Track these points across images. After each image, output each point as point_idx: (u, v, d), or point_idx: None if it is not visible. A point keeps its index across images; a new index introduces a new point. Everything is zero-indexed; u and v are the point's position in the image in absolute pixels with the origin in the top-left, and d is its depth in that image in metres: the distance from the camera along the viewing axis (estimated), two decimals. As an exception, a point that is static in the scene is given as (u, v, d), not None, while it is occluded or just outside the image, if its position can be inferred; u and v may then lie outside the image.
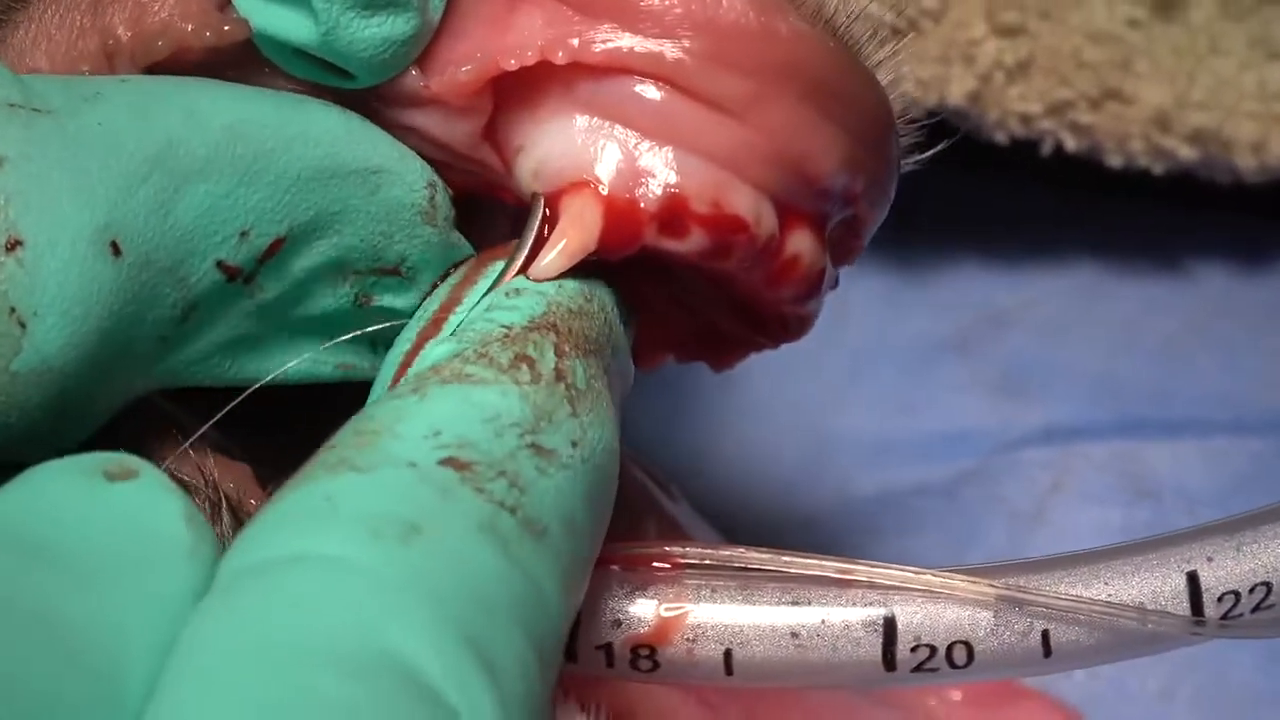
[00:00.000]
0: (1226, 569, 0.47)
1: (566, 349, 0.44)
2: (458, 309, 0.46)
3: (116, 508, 0.39)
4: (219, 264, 0.44)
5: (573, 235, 0.46)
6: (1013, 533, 0.81)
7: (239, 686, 0.34)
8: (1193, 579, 0.47)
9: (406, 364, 0.45)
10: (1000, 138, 0.79)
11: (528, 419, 0.41)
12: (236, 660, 0.34)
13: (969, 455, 0.83)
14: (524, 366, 0.42)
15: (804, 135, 0.47)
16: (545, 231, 0.47)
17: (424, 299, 0.48)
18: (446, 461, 0.39)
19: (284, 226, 0.45)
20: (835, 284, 0.53)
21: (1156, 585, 0.47)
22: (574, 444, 0.42)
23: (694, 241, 0.47)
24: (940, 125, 0.77)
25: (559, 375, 0.43)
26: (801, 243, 0.49)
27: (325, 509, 0.37)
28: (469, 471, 0.39)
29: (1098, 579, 0.47)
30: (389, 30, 0.45)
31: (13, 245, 0.41)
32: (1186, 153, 0.80)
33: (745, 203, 0.47)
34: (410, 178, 0.47)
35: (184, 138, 0.43)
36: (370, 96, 0.47)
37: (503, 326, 0.44)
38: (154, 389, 0.46)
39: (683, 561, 0.48)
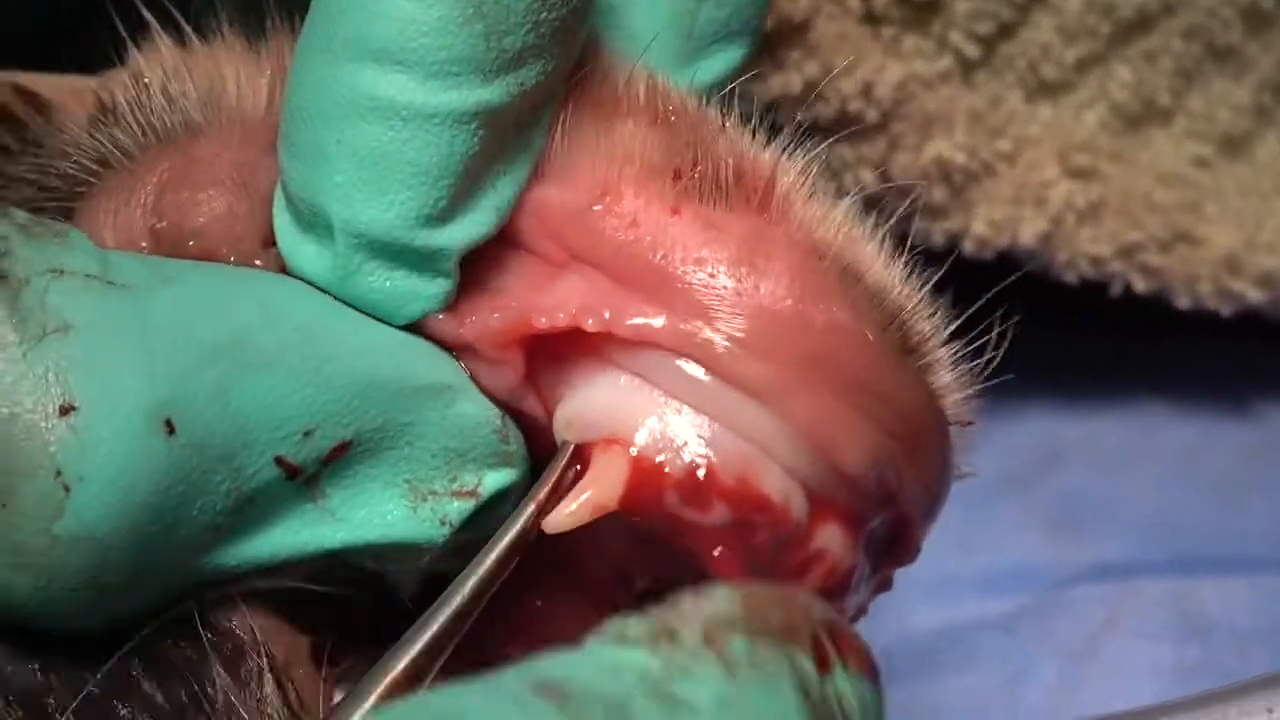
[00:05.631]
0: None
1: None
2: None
3: None
4: (278, 460, 0.44)
5: (595, 490, 0.46)
6: (1064, 669, 0.83)
7: None
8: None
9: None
10: (1070, 278, 0.81)
11: None
12: None
13: (1025, 591, 0.85)
14: None
15: (832, 426, 0.46)
16: (568, 480, 0.47)
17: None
18: None
19: (350, 431, 0.45)
20: (887, 586, 0.53)
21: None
22: None
23: (717, 515, 0.46)
24: (1009, 264, 0.78)
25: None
26: (830, 537, 0.48)
27: None
28: None
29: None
30: (408, 287, 0.46)
31: (67, 410, 0.41)
32: (1255, 295, 0.81)
33: (774, 483, 0.46)
34: (484, 398, 0.47)
35: (255, 331, 0.44)
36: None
37: None
38: (209, 582, 0.46)
39: None
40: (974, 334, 0.53)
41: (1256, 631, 0.83)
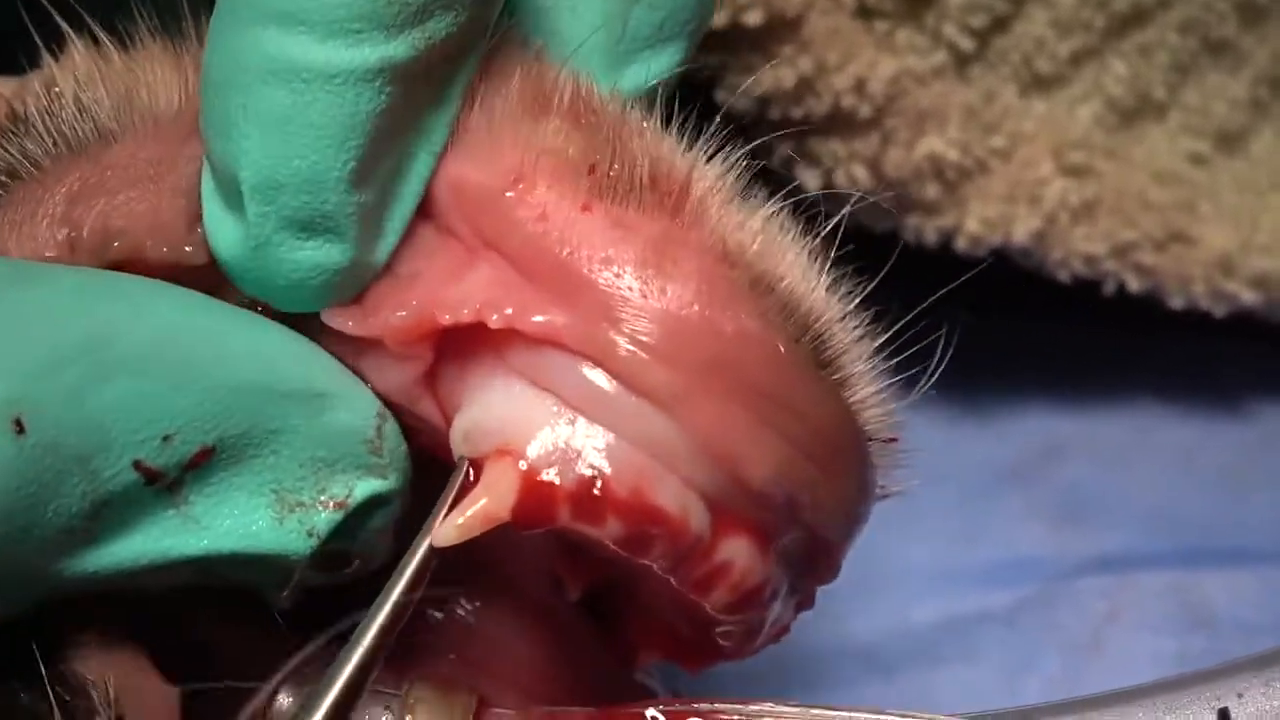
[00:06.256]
0: (1257, 704, 0.48)
1: None
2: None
3: None
4: (136, 464, 0.43)
5: (486, 503, 0.45)
6: (1067, 662, 0.83)
7: None
8: (1224, 715, 0.48)
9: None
10: (1063, 276, 0.81)
11: None
12: None
13: (1026, 584, 0.85)
14: None
15: (735, 437, 0.45)
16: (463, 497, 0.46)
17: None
18: None
19: (212, 436, 0.44)
20: (809, 604, 0.51)
21: (1189, 723, 0.48)
22: None
23: (611, 529, 0.45)
24: (1001, 261, 0.78)
25: None
26: (735, 550, 0.46)
27: None
28: None
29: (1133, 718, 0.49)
30: (319, 258, 0.45)
31: None
32: (1249, 296, 0.82)
33: (669, 495, 0.45)
34: (359, 405, 0.47)
35: (118, 331, 0.43)
36: (320, 330, 0.47)
37: None
38: (71, 588, 0.45)
39: (715, 716, 0.47)
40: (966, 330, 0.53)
41: (1261, 624, 0.83)
